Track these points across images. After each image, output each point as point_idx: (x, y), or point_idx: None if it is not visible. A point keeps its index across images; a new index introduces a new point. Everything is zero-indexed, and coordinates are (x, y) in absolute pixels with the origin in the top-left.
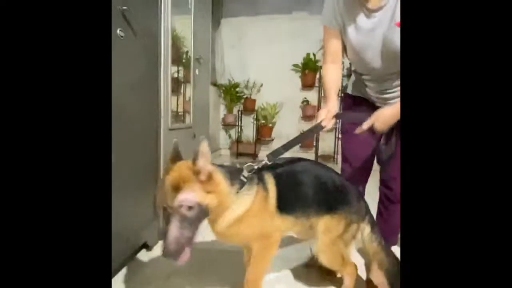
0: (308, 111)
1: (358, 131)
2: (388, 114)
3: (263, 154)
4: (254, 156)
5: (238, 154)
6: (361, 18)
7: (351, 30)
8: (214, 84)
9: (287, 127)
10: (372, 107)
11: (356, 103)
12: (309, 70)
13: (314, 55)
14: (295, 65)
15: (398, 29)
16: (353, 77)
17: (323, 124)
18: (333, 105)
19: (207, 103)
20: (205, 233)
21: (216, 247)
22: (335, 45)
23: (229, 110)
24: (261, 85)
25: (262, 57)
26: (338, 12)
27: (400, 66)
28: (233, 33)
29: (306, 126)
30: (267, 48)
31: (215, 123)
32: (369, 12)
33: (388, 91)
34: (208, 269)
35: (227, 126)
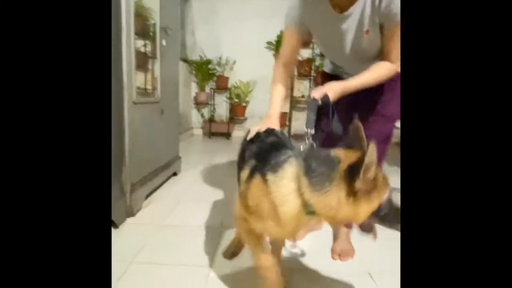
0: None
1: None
2: (339, 84)
3: (237, 134)
4: (227, 135)
5: (211, 134)
6: (330, 22)
7: (320, 33)
8: (185, 60)
9: (261, 106)
10: None
11: (327, 79)
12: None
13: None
14: (269, 43)
15: (367, 36)
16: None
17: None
18: (274, 109)
19: (177, 79)
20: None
21: (190, 223)
22: (293, 48)
23: (201, 88)
24: (234, 62)
25: (235, 34)
26: (306, 15)
27: (372, 60)
28: (205, 7)
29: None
30: (240, 24)
31: (187, 101)
32: (338, 18)
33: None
34: (177, 246)
35: (199, 104)
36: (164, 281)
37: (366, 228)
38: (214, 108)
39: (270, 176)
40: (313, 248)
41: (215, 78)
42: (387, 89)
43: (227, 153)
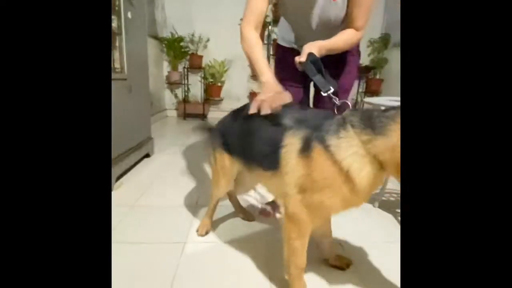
0: None
1: (298, 59)
2: (316, 43)
3: (212, 116)
4: (202, 117)
5: (186, 115)
6: None
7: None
8: (155, 37)
9: (236, 86)
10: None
11: (286, 54)
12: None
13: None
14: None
15: (334, 4)
16: (282, 26)
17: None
18: (268, 73)
19: (145, 55)
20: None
21: (161, 204)
22: (261, 5)
23: (174, 67)
24: (208, 40)
25: (209, 10)
26: None
27: (334, 32)
28: None
29: (256, 85)
30: (213, 1)
31: (158, 81)
32: None
33: None
34: (151, 225)
35: (172, 84)
36: (139, 258)
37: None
38: (188, 88)
39: (332, 141)
40: None
41: (188, 57)
42: (343, 63)
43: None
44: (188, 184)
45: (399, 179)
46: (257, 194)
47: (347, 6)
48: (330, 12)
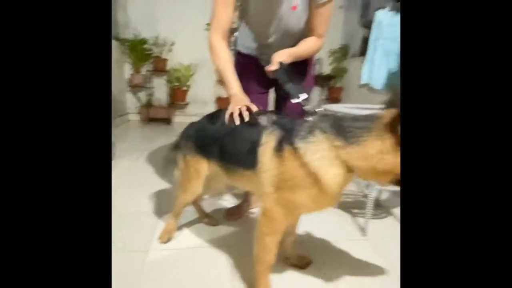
0: None
1: (269, 68)
2: (285, 51)
3: (178, 120)
4: (167, 121)
5: (150, 119)
6: None
7: (252, 6)
8: (116, 39)
9: (202, 90)
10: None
11: (247, 62)
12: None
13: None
14: (209, 25)
15: (294, 12)
16: (243, 33)
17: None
18: (237, 86)
19: None
20: None
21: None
22: (227, 15)
23: (136, 70)
24: (173, 44)
25: (174, 12)
26: None
27: (294, 39)
28: None
29: (223, 90)
30: (179, 3)
31: (120, 83)
32: None
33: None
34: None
35: (134, 87)
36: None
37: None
38: (152, 92)
39: (301, 144)
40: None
41: (151, 60)
42: (304, 72)
43: (167, 139)
44: (150, 190)
45: (377, 181)
46: (223, 199)
47: (308, 15)
48: (290, 20)
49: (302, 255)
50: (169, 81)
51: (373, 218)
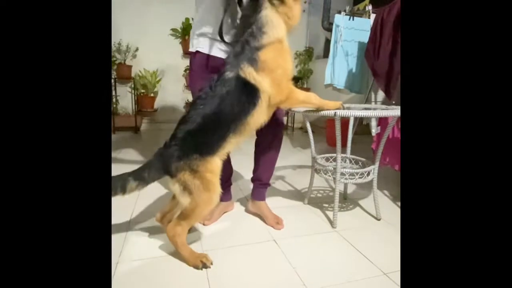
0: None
1: None
2: None
3: (146, 128)
4: (135, 129)
5: (115, 129)
6: None
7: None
8: None
9: (171, 96)
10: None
11: (204, 60)
12: (189, 36)
13: (193, 19)
14: (174, 30)
15: None
16: (202, 22)
17: None
18: None
19: None
20: None
21: None
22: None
23: None
24: (137, 50)
25: (137, 18)
26: None
27: None
28: None
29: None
30: (141, 8)
31: None
32: None
33: None
34: None
35: None
36: None
37: None
38: (117, 100)
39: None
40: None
41: (115, 67)
42: None
43: (134, 149)
44: (120, 200)
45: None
46: None
47: None
48: None
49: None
50: (134, 88)
51: (341, 211)
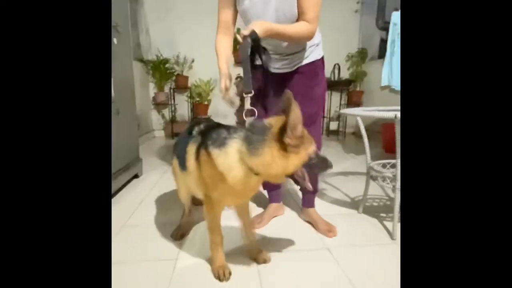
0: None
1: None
2: (264, 22)
3: None
4: None
5: (174, 134)
6: None
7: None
8: (141, 60)
9: (223, 104)
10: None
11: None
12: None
13: None
14: None
15: (290, 0)
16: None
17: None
18: (224, 71)
19: (131, 79)
20: None
21: None
22: (227, 15)
23: (160, 88)
24: (193, 61)
25: (192, 31)
26: None
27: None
28: (157, 5)
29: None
30: (196, 21)
31: (145, 102)
32: None
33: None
34: (141, 243)
35: (158, 105)
36: (131, 277)
37: (300, 182)
38: (175, 108)
39: (213, 150)
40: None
41: (174, 78)
42: (313, 76)
43: None
44: (177, 202)
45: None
46: None
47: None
48: (284, 8)
49: (259, 249)
50: (190, 97)
51: (400, 221)
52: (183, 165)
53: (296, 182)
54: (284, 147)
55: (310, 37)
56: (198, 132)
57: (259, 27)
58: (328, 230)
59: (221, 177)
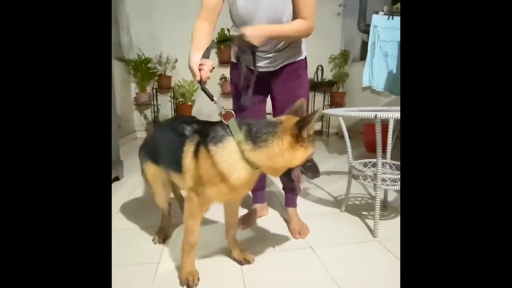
0: (227, 88)
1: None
2: (257, 27)
3: None
4: None
5: None
6: None
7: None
8: (121, 59)
9: (207, 105)
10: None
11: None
12: (225, 46)
13: (228, 30)
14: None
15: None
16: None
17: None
18: (196, 58)
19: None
20: None
21: None
22: (213, 2)
23: (142, 88)
24: (176, 61)
25: (175, 31)
26: None
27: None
28: (139, 3)
29: (226, 103)
30: (179, 21)
31: (126, 103)
32: None
33: (266, 55)
34: (123, 247)
35: (140, 105)
36: (113, 282)
37: (295, 181)
38: (158, 109)
39: (212, 147)
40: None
41: (156, 78)
42: (296, 76)
43: None
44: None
45: (275, 176)
46: None
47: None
48: (277, 6)
49: (243, 251)
50: (173, 98)
51: (382, 219)
52: (175, 166)
53: (287, 180)
54: (295, 140)
55: (309, 33)
56: (193, 131)
57: (252, 30)
58: (298, 232)
59: (222, 175)
